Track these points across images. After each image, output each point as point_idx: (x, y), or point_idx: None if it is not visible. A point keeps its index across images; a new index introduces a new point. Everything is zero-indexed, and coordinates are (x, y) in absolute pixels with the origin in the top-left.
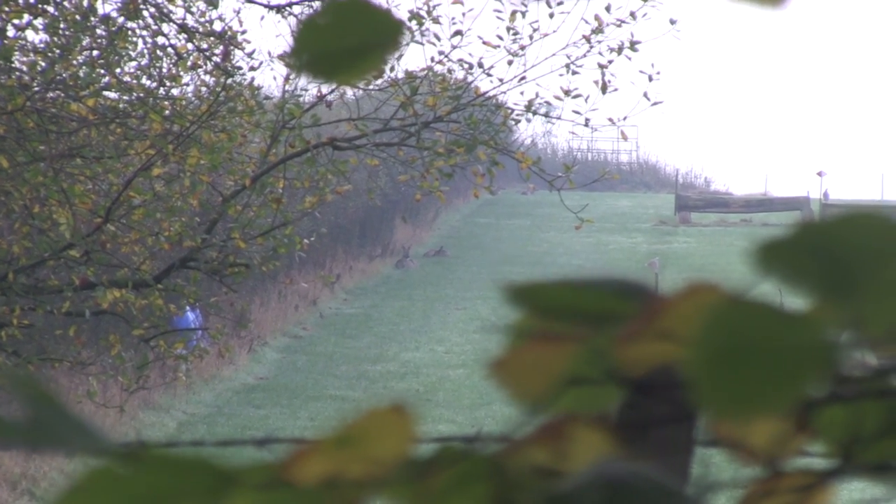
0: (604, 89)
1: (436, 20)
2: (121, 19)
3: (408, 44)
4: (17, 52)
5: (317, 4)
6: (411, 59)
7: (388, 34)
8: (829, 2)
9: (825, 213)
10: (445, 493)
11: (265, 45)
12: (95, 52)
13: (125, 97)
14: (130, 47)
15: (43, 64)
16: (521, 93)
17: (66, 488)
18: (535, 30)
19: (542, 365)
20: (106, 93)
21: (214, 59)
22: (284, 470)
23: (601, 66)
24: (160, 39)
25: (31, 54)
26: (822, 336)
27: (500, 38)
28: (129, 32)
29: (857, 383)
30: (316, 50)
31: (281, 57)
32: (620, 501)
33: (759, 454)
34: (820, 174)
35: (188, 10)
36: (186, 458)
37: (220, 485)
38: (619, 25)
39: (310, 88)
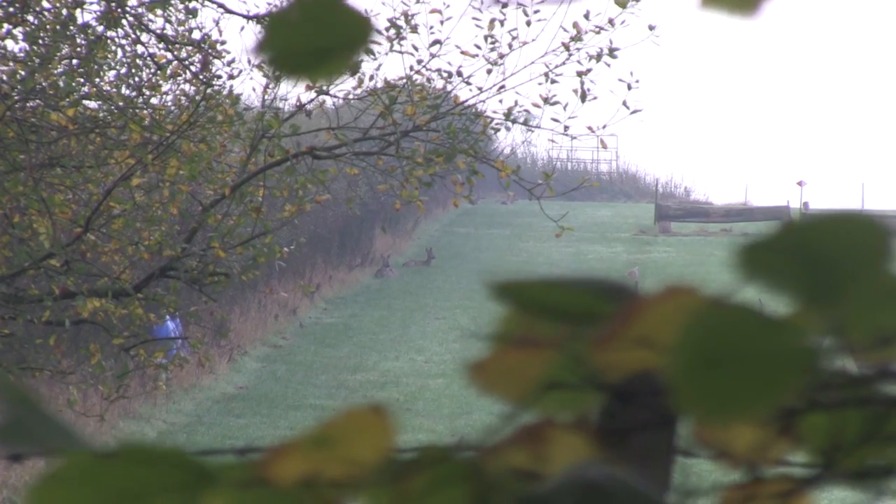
0: (583, 97)
1: (414, 29)
2: (100, 28)
3: (387, 53)
4: None
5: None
6: (390, 68)
7: (356, 34)
8: (808, 11)
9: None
10: (423, 495)
11: (245, 55)
12: (75, 62)
13: (105, 106)
14: (110, 56)
15: (23, 73)
16: (500, 101)
17: (43, 477)
18: (513, 38)
19: (522, 369)
20: (85, 102)
21: (193, 68)
22: (262, 469)
23: (580, 74)
24: (139, 49)
25: (11, 63)
26: (804, 341)
27: (478, 47)
28: (109, 42)
29: (838, 390)
30: (284, 47)
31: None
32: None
33: (741, 460)
34: (800, 184)
35: (167, 19)
36: (165, 453)
37: (198, 481)
38: (598, 32)
39: (289, 98)
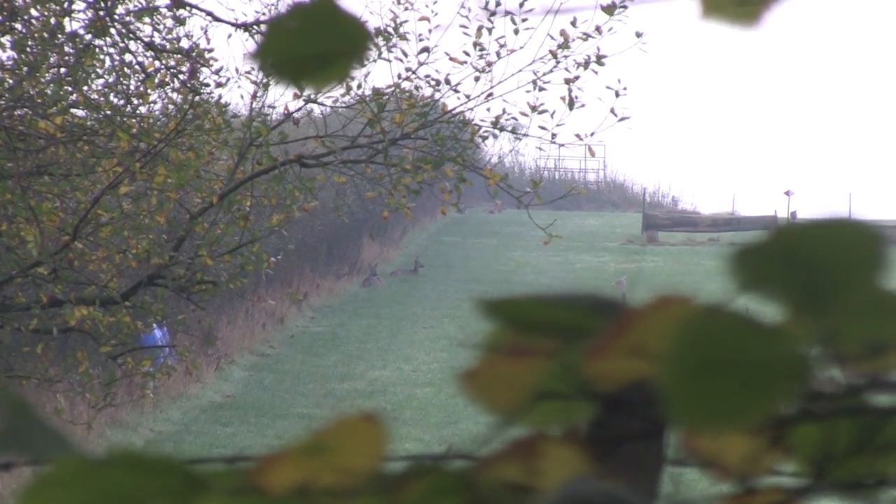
0: (571, 105)
1: (403, 37)
2: (88, 37)
3: (375, 61)
4: None
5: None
6: (379, 76)
7: (355, 41)
8: (795, 21)
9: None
10: None
11: (232, 63)
12: (63, 70)
13: (93, 115)
14: (98, 65)
15: (11, 81)
16: (488, 109)
17: (34, 481)
18: (501, 46)
19: (513, 378)
20: (73, 110)
21: (181, 76)
22: (255, 477)
23: (568, 82)
24: (127, 57)
25: None
26: (795, 350)
27: (467, 54)
28: (97, 50)
29: (829, 400)
30: (282, 53)
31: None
32: None
33: (732, 470)
34: (788, 193)
35: (155, 27)
36: (156, 459)
37: (190, 488)
38: (585, 39)
39: (277, 106)
